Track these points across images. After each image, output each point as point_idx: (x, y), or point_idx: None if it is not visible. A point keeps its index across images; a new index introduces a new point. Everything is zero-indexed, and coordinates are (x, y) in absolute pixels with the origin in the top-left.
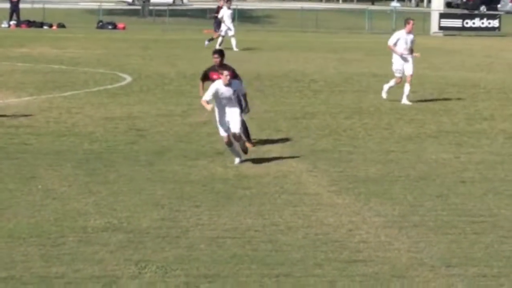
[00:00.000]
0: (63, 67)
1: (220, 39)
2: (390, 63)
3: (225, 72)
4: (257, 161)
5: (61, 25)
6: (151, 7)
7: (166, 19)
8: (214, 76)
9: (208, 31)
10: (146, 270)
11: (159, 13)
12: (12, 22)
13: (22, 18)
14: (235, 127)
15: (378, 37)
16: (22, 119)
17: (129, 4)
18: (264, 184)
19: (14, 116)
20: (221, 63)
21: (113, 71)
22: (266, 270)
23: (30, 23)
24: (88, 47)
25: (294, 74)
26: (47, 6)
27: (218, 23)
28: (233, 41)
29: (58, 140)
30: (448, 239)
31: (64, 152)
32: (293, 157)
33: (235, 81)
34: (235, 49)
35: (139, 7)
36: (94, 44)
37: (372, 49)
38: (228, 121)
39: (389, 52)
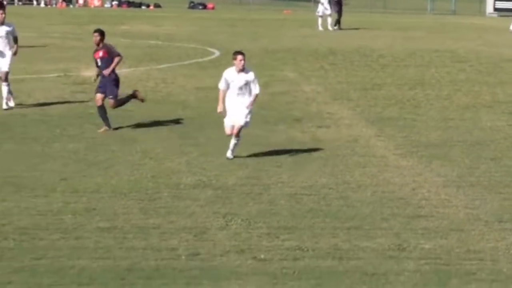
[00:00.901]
0: (159, 42)
1: (319, 19)
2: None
3: (239, 57)
4: (331, 127)
5: (157, 5)
6: None
7: (251, 0)
8: (95, 55)
9: (288, 11)
10: (232, 222)
11: None
12: (114, 2)
13: None
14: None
15: (439, 17)
16: (123, 88)
17: None
18: (336, 147)
19: None
20: (100, 42)
21: (203, 46)
22: (338, 223)
23: (130, 3)
24: (181, 25)
25: (363, 50)
26: None
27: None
28: (329, 20)
29: (154, 107)
30: (501, 197)
31: (160, 117)
32: (362, 124)
33: None
34: (329, 28)
35: None
36: (186, 22)
37: (433, 28)
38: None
39: (448, 30)
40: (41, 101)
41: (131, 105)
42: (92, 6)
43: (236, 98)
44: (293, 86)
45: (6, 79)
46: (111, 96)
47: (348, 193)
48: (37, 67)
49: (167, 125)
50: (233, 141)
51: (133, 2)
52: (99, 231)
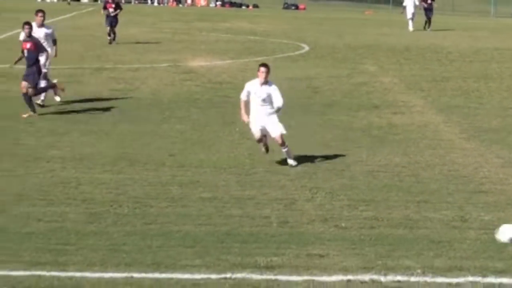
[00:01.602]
0: (257, 38)
1: (410, 22)
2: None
3: (262, 69)
4: (405, 113)
5: (255, 6)
6: None
7: (334, 2)
8: (23, 46)
9: (369, 12)
10: (317, 194)
11: None
12: (218, 3)
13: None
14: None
15: (501, 20)
16: (224, 77)
17: None
18: (409, 131)
19: (219, 74)
20: (29, 33)
21: (295, 42)
22: (409, 197)
23: (232, 4)
24: (276, 23)
25: (434, 47)
26: None
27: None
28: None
29: None
30: None
31: None
32: (432, 111)
33: None
34: (410, 29)
35: None
36: (280, 20)
37: (495, 29)
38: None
39: (508, 31)
40: (154, 87)
41: (231, 92)
42: (199, 5)
43: (260, 109)
44: (372, 78)
45: (44, 77)
46: (30, 86)
47: (418, 171)
48: (151, 58)
49: None
50: (283, 150)
51: (234, 3)
52: (201, 200)
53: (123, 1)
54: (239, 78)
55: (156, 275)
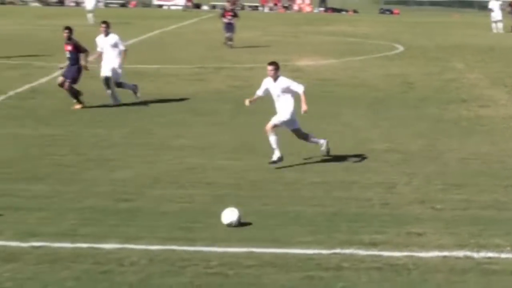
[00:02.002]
0: (356, 39)
1: (494, 25)
2: None
3: (269, 67)
4: (490, 106)
5: (355, 11)
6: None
7: (425, 7)
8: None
9: (456, 16)
10: (414, 179)
11: (421, 3)
12: (321, 9)
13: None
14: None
15: None
16: (328, 74)
17: None
18: (495, 123)
19: (323, 72)
20: (68, 37)
21: (391, 43)
22: (497, 181)
23: (334, 9)
24: (373, 26)
25: None
26: None
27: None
28: (500, 25)
29: (353, 90)
30: None
31: (357, 98)
32: None
33: None
34: (494, 31)
35: None
36: (377, 24)
37: None
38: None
39: None
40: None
41: (334, 87)
42: (305, 11)
43: (277, 104)
44: (460, 74)
45: (107, 82)
46: (68, 80)
47: (504, 158)
48: (263, 58)
49: (362, 103)
50: (314, 140)
51: (336, 8)
52: (312, 184)
53: (237, 8)
54: (341, 75)
55: (274, 250)
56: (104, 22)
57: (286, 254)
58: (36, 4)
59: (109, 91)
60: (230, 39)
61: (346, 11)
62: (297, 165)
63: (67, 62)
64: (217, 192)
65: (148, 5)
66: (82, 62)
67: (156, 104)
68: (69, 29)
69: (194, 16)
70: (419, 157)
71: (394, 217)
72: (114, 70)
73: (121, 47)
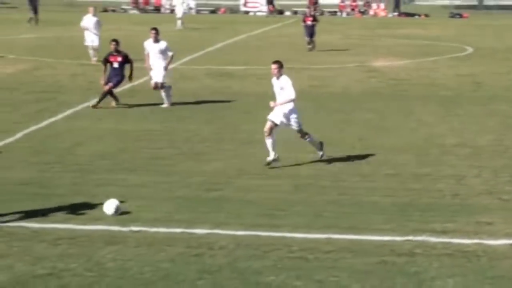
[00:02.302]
0: (428, 42)
1: None
2: None
3: (273, 66)
4: None
5: (426, 15)
6: (485, 4)
7: (493, 11)
8: (111, 59)
9: None
10: (483, 172)
11: (489, 7)
12: (395, 13)
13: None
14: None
15: None
16: (403, 74)
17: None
18: None
19: (398, 73)
20: (115, 49)
21: (461, 45)
22: None
23: (407, 14)
24: (444, 29)
25: None
26: (417, 2)
27: None
28: None
29: (425, 89)
30: None
31: (429, 96)
32: None
33: None
34: None
35: (476, 3)
36: (447, 27)
37: None
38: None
39: None
40: (344, 83)
41: (408, 87)
42: (379, 16)
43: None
44: None
45: (162, 87)
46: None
47: None
48: (341, 59)
49: (431, 101)
50: (309, 139)
51: (409, 13)
52: (386, 176)
53: (317, 14)
54: (414, 75)
55: (351, 236)
56: (154, 28)
57: (362, 240)
58: (135, 11)
59: (163, 93)
60: (310, 42)
61: (419, 15)
62: (372, 158)
63: (109, 72)
64: (298, 182)
65: (236, 11)
66: (127, 72)
67: (244, 102)
68: (115, 41)
69: (278, 21)
70: (488, 151)
71: (464, 207)
72: (163, 74)
73: (170, 53)
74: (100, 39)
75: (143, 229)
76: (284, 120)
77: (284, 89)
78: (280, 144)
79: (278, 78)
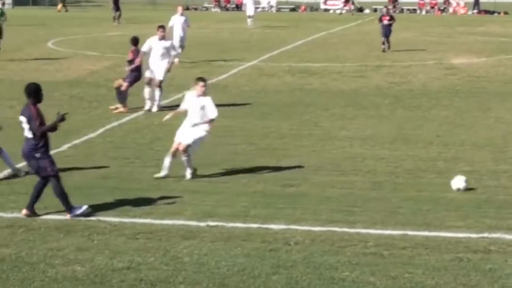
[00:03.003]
0: (507, 39)
1: None
2: None
3: (201, 83)
4: None
5: (506, 12)
6: None
7: None
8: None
9: None
10: None
11: None
12: (475, 11)
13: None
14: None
15: None
16: (481, 72)
17: None
18: None
19: (476, 70)
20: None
21: None
22: None
23: (486, 11)
24: None
25: None
26: (497, 0)
27: None
28: None
29: (504, 86)
30: None
31: (508, 93)
32: None
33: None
34: None
35: None
36: None
37: None
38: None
39: None
40: (423, 80)
41: (486, 84)
42: (459, 13)
43: (190, 119)
44: None
45: (159, 85)
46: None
47: None
48: (420, 57)
49: (511, 98)
50: (183, 158)
51: (488, 11)
52: (463, 173)
53: (397, 11)
54: (492, 72)
55: (426, 233)
56: (162, 26)
57: (437, 237)
58: (217, 9)
59: (158, 92)
60: (384, 42)
61: (498, 13)
62: (448, 154)
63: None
64: (375, 179)
65: (316, 9)
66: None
67: (322, 99)
68: (135, 39)
69: (357, 18)
70: None
71: None
72: (164, 72)
73: (174, 52)
74: (186, 37)
75: (220, 224)
76: (190, 142)
77: (205, 109)
78: (358, 140)
79: (199, 96)
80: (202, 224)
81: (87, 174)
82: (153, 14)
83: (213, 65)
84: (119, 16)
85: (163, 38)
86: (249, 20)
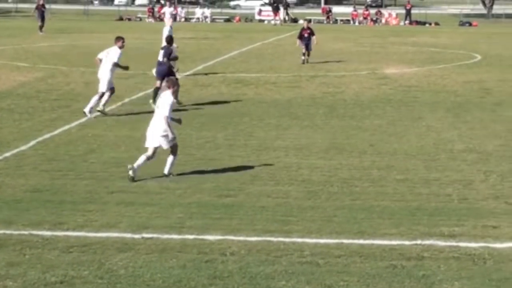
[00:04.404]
0: (438, 49)
1: None
2: None
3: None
4: None
5: (436, 23)
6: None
7: (502, 19)
8: None
9: None
10: (490, 177)
11: (498, 15)
12: (406, 22)
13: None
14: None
15: None
16: (412, 81)
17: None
18: None
19: (408, 80)
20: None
21: (469, 52)
22: None
23: (418, 22)
24: (453, 37)
25: None
26: (428, 11)
27: None
28: None
29: (434, 95)
30: None
31: (438, 102)
32: None
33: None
34: None
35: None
36: (456, 35)
37: None
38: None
39: None
40: (356, 90)
41: (418, 93)
42: (391, 24)
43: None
44: None
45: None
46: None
47: None
48: (354, 67)
49: (443, 108)
50: (142, 158)
51: (420, 21)
52: (396, 181)
53: (331, 22)
54: (424, 82)
55: (361, 241)
56: (121, 37)
57: (372, 244)
58: (151, 20)
59: (105, 100)
60: (305, 54)
61: (429, 23)
62: (382, 163)
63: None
64: (310, 188)
65: (251, 20)
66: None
67: (257, 109)
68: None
69: (292, 29)
70: (495, 156)
71: (471, 211)
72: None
73: (115, 60)
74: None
75: (155, 236)
76: (156, 144)
77: (160, 107)
78: (293, 150)
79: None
80: (137, 236)
81: (18, 188)
82: (85, 25)
83: (148, 76)
84: (41, 26)
85: (120, 47)
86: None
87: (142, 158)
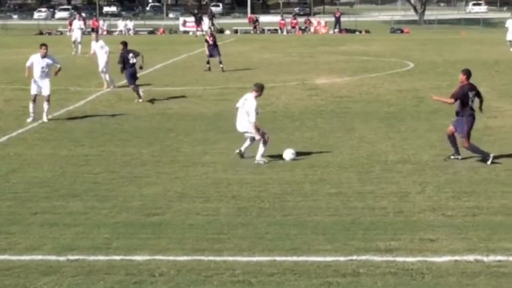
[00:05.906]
0: (369, 58)
1: (508, 43)
2: None
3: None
4: (497, 117)
5: (367, 31)
6: (425, 18)
7: (433, 25)
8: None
9: (464, 33)
10: (426, 188)
11: (430, 22)
12: (335, 30)
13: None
14: None
15: None
16: (344, 91)
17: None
18: (502, 132)
19: (339, 90)
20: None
21: (402, 60)
22: (506, 188)
23: (347, 30)
24: (385, 45)
25: None
26: (358, 19)
27: None
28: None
29: (367, 105)
30: None
31: (371, 112)
32: None
33: None
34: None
35: (417, 18)
36: (388, 43)
37: None
38: None
39: None
40: (286, 101)
41: (350, 104)
42: (320, 33)
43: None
44: None
45: (48, 100)
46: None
47: None
48: (283, 78)
49: (376, 118)
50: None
51: (350, 29)
52: (329, 195)
53: (258, 32)
54: (355, 92)
55: (295, 258)
56: (44, 44)
57: (306, 261)
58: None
59: (47, 106)
60: (209, 62)
61: (359, 31)
62: (314, 176)
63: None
64: (240, 204)
65: (175, 31)
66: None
67: (183, 123)
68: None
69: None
70: (431, 167)
71: (408, 224)
72: (50, 87)
73: (58, 65)
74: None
75: (81, 258)
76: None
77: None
78: (222, 165)
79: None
80: (62, 258)
81: None
82: (4, 40)
83: (69, 91)
84: None
85: (45, 55)
86: (79, 46)
87: (260, 147)
